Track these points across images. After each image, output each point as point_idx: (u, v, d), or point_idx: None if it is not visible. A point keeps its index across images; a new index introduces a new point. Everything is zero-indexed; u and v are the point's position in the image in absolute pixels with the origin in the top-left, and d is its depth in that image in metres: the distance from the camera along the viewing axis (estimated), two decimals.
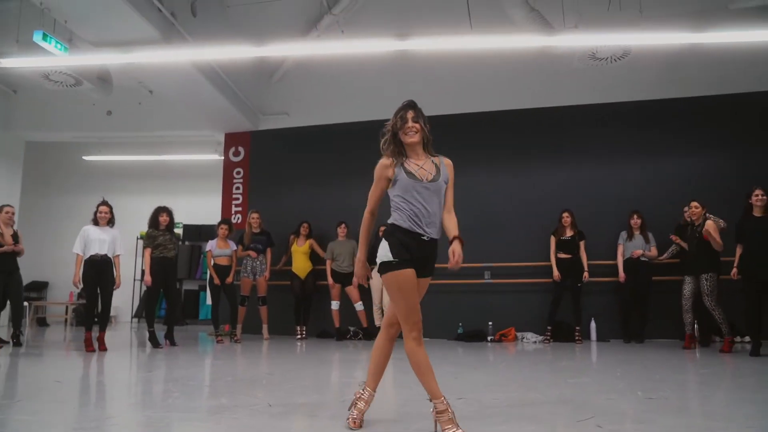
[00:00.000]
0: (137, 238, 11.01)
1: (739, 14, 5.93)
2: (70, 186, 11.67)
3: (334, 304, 7.84)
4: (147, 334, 6.87)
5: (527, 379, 4.61)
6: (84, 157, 11.48)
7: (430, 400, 2.65)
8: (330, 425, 2.98)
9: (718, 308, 6.11)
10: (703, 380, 4.58)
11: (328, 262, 7.86)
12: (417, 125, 2.75)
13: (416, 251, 2.69)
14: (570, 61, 6.68)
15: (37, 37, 5.30)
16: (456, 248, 2.69)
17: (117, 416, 3.17)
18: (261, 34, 7.68)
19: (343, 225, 7.96)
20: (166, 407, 3.43)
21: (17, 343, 6.45)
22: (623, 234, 7.28)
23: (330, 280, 7.81)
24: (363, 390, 2.90)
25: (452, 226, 2.80)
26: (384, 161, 2.78)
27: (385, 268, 2.69)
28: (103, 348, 6.21)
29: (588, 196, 7.77)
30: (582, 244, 7.33)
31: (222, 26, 7.62)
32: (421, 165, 2.75)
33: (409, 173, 2.71)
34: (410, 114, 2.76)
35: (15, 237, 6.65)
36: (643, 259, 7.10)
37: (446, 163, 2.86)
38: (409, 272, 2.66)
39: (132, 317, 11.23)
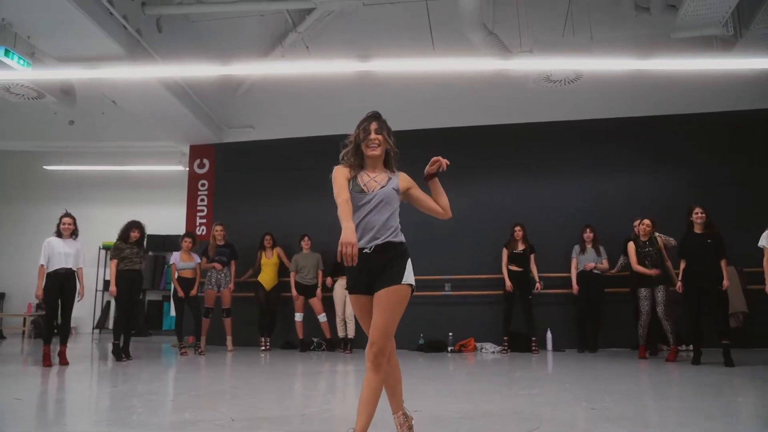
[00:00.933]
0: (99, 248, 10.90)
1: (680, 42, 6.31)
2: (30, 196, 11.44)
3: (298, 316, 7.95)
4: (110, 346, 6.86)
5: (482, 391, 4.83)
6: (45, 167, 11.29)
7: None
8: None
9: (669, 318, 6.46)
10: (645, 389, 4.87)
11: (292, 274, 7.97)
12: (380, 137, 2.70)
13: (360, 270, 2.59)
14: (525, 82, 6.98)
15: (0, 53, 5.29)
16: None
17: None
18: (226, 49, 7.81)
19: (306, 238, 8.08)
20: (129, 424, 3.51)
21: None
22: (576, 247, 7.61)
23: (294, 292, 7.92)
24: None
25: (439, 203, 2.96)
26: (341, 166, 2.75)
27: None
28: (64, 362, 6.16)
29: (542, 211, 8.09)
30: (532, 257, 7.63)
31: (187, 41, 7.68)
32: (374, 177, 2.72)
33: (357, 187, 2.66)
34: (373, 125, 2.71)
35: None
36: (595, 271, 7.43)
37: (400, 175, 2.83)
38: (354, 298, 2.71)
39: (93, 328, 11.08)
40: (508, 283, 7.54)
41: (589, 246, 7.52)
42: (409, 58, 6.55)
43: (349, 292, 2.72)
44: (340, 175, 2.70)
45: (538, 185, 8.27)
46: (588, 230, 7.54)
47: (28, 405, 4.34)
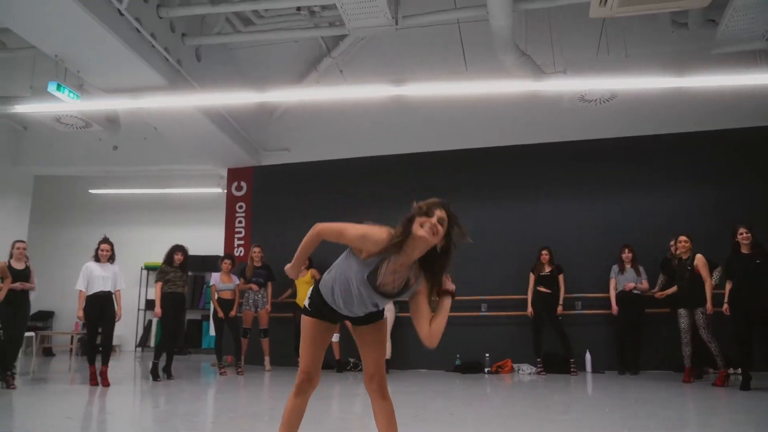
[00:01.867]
0: (141, 269, 11.24)
1: (721, 57, 6.20)
2: (76, 218, 11.92)
3: (335, 337, 8.00)
4: (150, 365, 7.04)
5: (518, 415, 4.77)
6: (90, 191, 11.75)
7: None
8: None
9: (714, 341, 6.25)
10: (689, 416, 4.72)
11: None
12: (440, 228, 2.23)
13: (332, 312, 2.53)
14: (559, 101, 6.94)
15: (52, 88, 5.59)
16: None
17: None
18: (263, 76, 8.04)
19: None
20: None
21: (10, 385, 6.07)
22: (615, 267, 7.46)
23: None
24: None
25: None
26: (378, 238, 2.27)
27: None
28: (105, 383, 6.27)
29: (577, 230, 7.96)
30: (560, 277, 7.55)
31: (225, 68, 7.93)
32: (397, 275, 2.32)
33: (371, 274, 2.32)
34: (438, 213, 2.24)
35: (26, 271, 6.84)
36: (635, 291, 7.27)
37: (421, 282, 2.38)
38: (313, 322, 2.55)
39: (136, 346, 11.38)
40: (529, 309, 7.53)
41: (628, 266, 7.37)
42: (441, 81, 6.65)
43: (309, 315, 2.55)
44: (363, 243, 2.31)
45: (573, 204, 8.15)
46: (626, 250, 7.38)
47: (77, 424, 4.50)
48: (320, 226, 2.46)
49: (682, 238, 6.56)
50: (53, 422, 4.50)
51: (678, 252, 6.63)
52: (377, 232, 2.29)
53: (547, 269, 7.54)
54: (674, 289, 6.57)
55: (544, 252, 7.56)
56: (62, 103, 6.07)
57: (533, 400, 5.69)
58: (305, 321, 2.58)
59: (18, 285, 6.55)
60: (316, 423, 4.50)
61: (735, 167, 7.70)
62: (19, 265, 6.80)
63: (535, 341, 7.46)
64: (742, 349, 5.90)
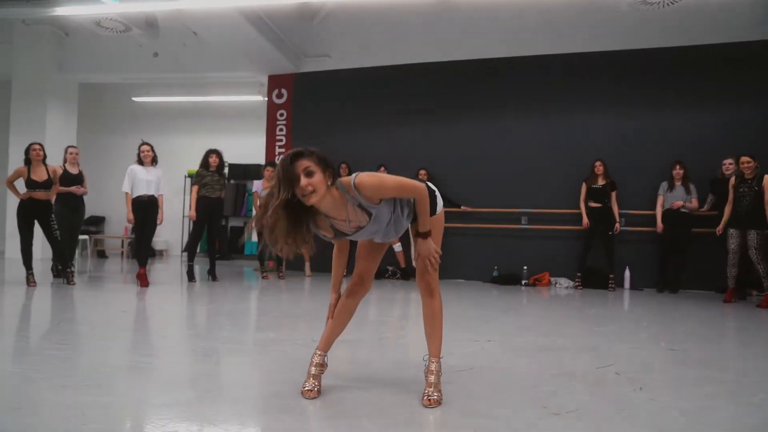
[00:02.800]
0: (185, 177, 11.48)
1: None
2: (121, 126, 12.12)
3: (397, 246, 8.03)
4: (196, 269, 7.32)
5: (556, 325, 4.83)
6: (133, 98, 11.86)
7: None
8: (368, 361, 3.27)
9: (764, 262, 6.08)
10: (727, 334, 4.69)
11: None
12: (312, 181, 2.08)
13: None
14: (618, 4, 6.44)
15: None
16: (421, 248, 2.40)
17: (178, 345, 3.56)
18: None
19: (383, 168, 8.12)
20: (219, 339, 3.81)
21: (70, 281, 6.39)
22: (664, 184, 7.21)
23: None
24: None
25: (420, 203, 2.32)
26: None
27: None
28: (145, 283, 6.44)
29: (629, 145, 7.68)
30: (614, 194, 7.33)
31: None
32: (339, 219, 2.26)
33: (337, 233, 2.32)
34: (299, 167, 2.09)
35: (80, 176, 7.09)
36: (683, 210, 7.05)
37: (360, 187, 2.17)
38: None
39: (182, 251, 11.88)
40: (585, 219, 7.35)
41: (678, 183, 7.10)
42: None
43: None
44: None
45: (624, 118, 7.79)
46: (678, 167, 7.09)
47: (132, 317, 4.79)
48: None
49: (745, 158, 6.20)
50: (110, 315, 4.80)
51: (741, 172, 6.29)
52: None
53: (600, 182, 7.34)
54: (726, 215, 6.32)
55: (598, 163, 7.35)
56: (102, 5, 5.97)
57: (571, 311, 5.73)
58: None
59: (74, 189, 6.81)
60: (357, 325, 4.66)
61: None
62: (73, 170, 7.05)
63: (582, 256, 7.42)
64: None
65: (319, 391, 2.51)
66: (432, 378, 2.52)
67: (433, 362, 2.56)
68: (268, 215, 2.06)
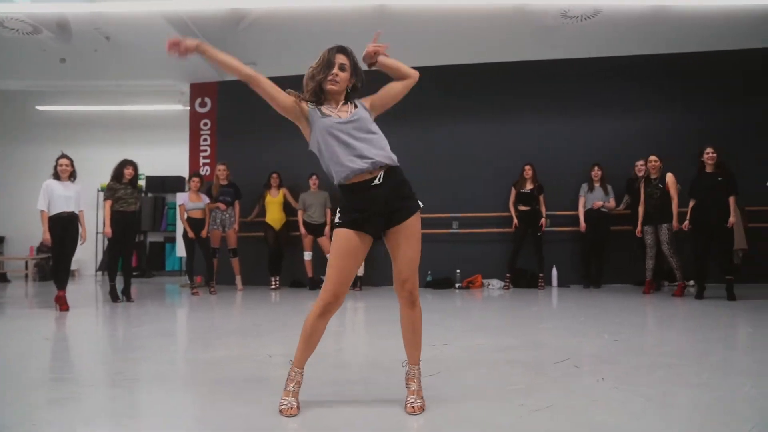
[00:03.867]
0: (98, 190, 10.76)
1: None
2: (23, 137, 11.13)
3: (307, 255, 8.01)
4: (109, 288, 6.80)
5: (503, 326, 4.98)
6: (37, 107, 10.94)
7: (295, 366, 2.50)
8: (339, 373, 3.20)
9: (676, 255, 6.61)
10: (657, 322, 5.06)
11: (300, 213, 7.98)
12: (343, 75, 2.50)
13: (368, 203, 2.41)
14: (543, 18, 6.79)
15: None
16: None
17: (127, 371, 3.30)
18: None
19: (314, 176, 8.04)
20: (172, 360, 3.59)
21: None
22: (584, 186, 7.67)
23: (302, 230, 7.94)
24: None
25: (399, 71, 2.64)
26: (292, 95, 2.54)
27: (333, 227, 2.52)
28: (64, 307, 5.96)
29: (552, 149, 8.09)
30: (541, 197, 7.69)
31: None
32: (337, 110, 2.51)
33: (321, 113, 2.48)
34: (338, 59, 2.50)
35: None
36: (603, 210, 7.53)
37: (363, 101, 2.60)
38: (343, 233, 2.42)
39: (96, 270, 11.11)
40: (515, 221, 7.66)
41: (597, 184, 7.58)
42: None
43: (340, 226, 2.43)
44: (281, 93, 2.55)
45: (549, 123, 8.22)
46: (596, 168, 7.58)
47: (58, 345, 4.40)
48: (260, 78, 2.61)
49: (653, 157, 6.75)
50: (32, 343, 4.39)
51: (643, 172, 6.83)
52: (287, 102, 2.56)
53: (529, 186, 7.65)
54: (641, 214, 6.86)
55: (527, 168, 7.65)
56: (10, 4, 5.48)
57: (511, 311, 5.94)
58: (336, 234, 2.44)
59: None
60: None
61: (709, 90, 7.90)
62: None
63: (511, 257, 7.68)
64: (700, 262, 6.28)
65: (298, 408, 2.43)
66: (413, 385, 2.51)
67: (414, 369, 2.55)
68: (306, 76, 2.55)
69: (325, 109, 2.50)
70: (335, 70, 2.48)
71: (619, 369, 3.16)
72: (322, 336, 2.50)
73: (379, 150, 2.43)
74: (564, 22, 6.68)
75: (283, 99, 2.54)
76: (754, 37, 7.54)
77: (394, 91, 2.63)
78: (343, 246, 2.41)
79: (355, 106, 2.53)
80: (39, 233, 6.14)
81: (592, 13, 6.39)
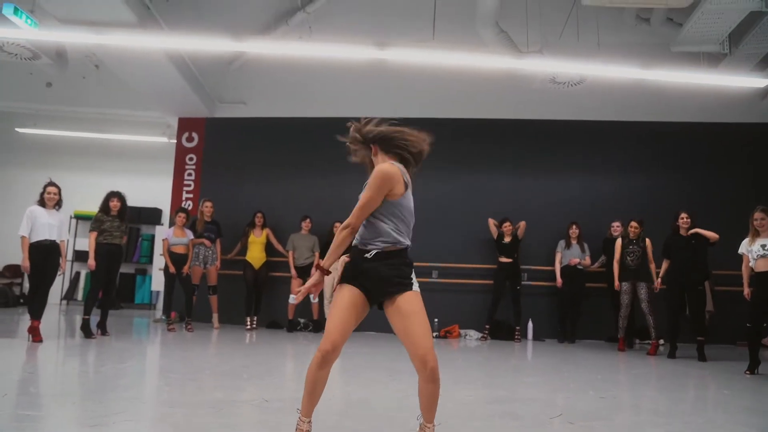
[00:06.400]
0: (71, 217, 10.52)
1: (678, 55, 6.66)
2: (1, 158, 10.89)
3: (292, 298, 7.87)
4: (80, 321, 6.58)
5: (488, 377, 5.05)
6: (17, 129, 10.73)
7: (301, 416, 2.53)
8: (341, 421, 3.21)
9: (654, 314, 6.86)
10: (637, 380, 5.20)
11: (290, 254, 7.96)
12: (353, 147, 2.81)
13: (359, 271, 2.50)
14: (531, 82, 7.17)
15: (7, 11, 5.03)
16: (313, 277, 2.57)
17: (124, 412, 3.23)
18: (228, 21, 7.67)
19: (308, 219, 8.09)
20: (170, 402, 3.52)
21: None
22: (562, 242, 7.93)
23: (293, 272, 7.89)
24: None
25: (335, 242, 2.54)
26: (396, 168, 2.51)
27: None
28: (37, 338, 5.78)
29: (531, 205, 8.37)
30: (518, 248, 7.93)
31: (192, 11, 7.49)
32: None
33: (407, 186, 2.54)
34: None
35: None
36: (579, 267, 7.79)
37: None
38: (346, 288, 2.50)
39: (61, 299, 10.74)
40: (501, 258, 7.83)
41: (574, 242, 7.86)
42: (415, 48, 6.61)
43: (344, 281, 2.52)
44: (390, 184, 2.50)
45: (531, 179, 8.53)
46: (574, 227, 7.86)
47: (44, 381, 4.26)
48: (348, 222, 2.50)
49: (634, 223, 7.07)
50: (14, 377, 4.24)
51: (627, 233, 7.13)
52: (393, 172, 2.50)
53: (507, 239, 7.86)
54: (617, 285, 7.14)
55: (507, 223, 7.87)
56: (12, 29, 5.50)
57: (492, 363, 6.01)
58: (340, 287, 2.52)
59: None
60: (300, 381, 4.57)
61: (684, 157, 8.36)
62: None
63: (491, 309, 7.81)
64: (673, 322, 6.55)
65: None
66: None
67: (428, 428, 2.57)
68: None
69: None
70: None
71: (614, 427, 3.27)
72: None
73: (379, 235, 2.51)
74: (552, 87, 7.05)
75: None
76: (729, 111, 8.09)
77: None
78: (346, 299, 2.48)
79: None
80: (4, 257, 5.97)
81: (579, 80, 6.79)
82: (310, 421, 2.52)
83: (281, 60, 8.14)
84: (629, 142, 8.48)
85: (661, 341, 7.19)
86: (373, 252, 2.48)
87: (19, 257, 6.00)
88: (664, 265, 6.70)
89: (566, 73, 6.49)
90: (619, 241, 7.20)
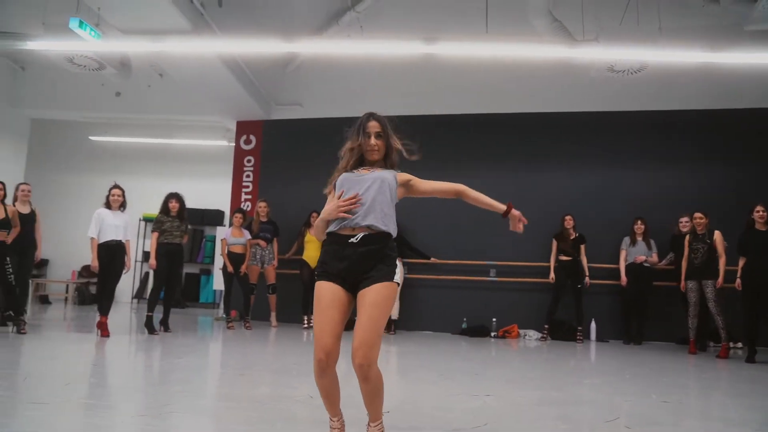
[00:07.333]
0: (140, 220, 11.05)
1: (753, 35, 6.16)
2: (75, 165, 11.62)
3: None
4: (145, 318, 6.81)
5: (544, 378, 4.86)
6: (90, 137, 11.43)
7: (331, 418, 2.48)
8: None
9: (722, 314, 6.39)
10: (709, 385, 4.85)
11: None
12: (379, 143, 2.50)
13: (342, 259, 2.33)
14: (587, 71, 6.87)
15: (73, 24, 5.33)
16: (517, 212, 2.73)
17: (173, 404, 3.32)
18: (281, 24, 7.80)
19: None
20: (220, 396, 3.59)
21: (21, 329, 5.93)
22: (626, 239, 7.54)
23: None
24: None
25: (477, 194, 2.71)
26: (333, 179, 2.53)
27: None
28: (105, 333, 6.07)
29: (594, 201, 8.02)
30: (583, 247, 7.59)
31: (245, 15, 7.66)
32: (371, 169, 2.50)
33: (351, 174, 2.48)
34: (373, 128, 2.50)
35: (32, 215, 6.71)
36: (645, 264, 7.38)
37: (400, 174, 2.56)
38: (324, 285, 2.34)
39: (132, 298, 11.29)
40: (551, 275, 7.55)
41: (639, 238, 7.45)
42: (466, 42, 6.48)
43: (318, 278, 2.37)
44: (329, 197, 2.48)
45: (591, 174, 8.17)
46: (639, 222, 7.46)
47: (106, 373, 4.46)
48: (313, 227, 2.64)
49: (698, 214, 6.62)
50: (80, 368, 4.46)
51: (686, 228, 6.69)
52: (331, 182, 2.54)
53: (570, 235, 7.56)
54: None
55: (568, 218, 7.58)
56: (80, 42, 5.81)
57: (550, 363, 5.79)
58: (316, 287, 2.36)
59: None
60: (347, 378, 4.56)
61: (754, 148, 7.76)
62: (23, 209, 6.65)
63: (551, 308, 7.54)
64: (750, 323, 6.06)
65: None
66: None
67: (373, 426, 2.43)
68: (345, 148, 2.55)
69: (358, 170, 2.49)
70: (372, 141, 2.48)
71: None
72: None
73: (372, 213, 2.35)
74: (610, 76, 6.72)
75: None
76: None
77: (434, 189, 2.68)
78: (322, 299, 2.32)
79: (386, 170, 2.52)
80: (82, 258, 6.31)
81: (639, 68, 6.43)
82: (339, 419, 2.49)
83: (334, 61, 8.22)
84: (696, 132, 7.93)
85: (739, 344, 6.69)
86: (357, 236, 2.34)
87: None
88: (741, 262, 6.22)
89: (625, 60, 6.15)
90: (688, 238, 6.76)
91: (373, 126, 2.49)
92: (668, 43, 6.18)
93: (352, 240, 2.32)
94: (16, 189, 6.82)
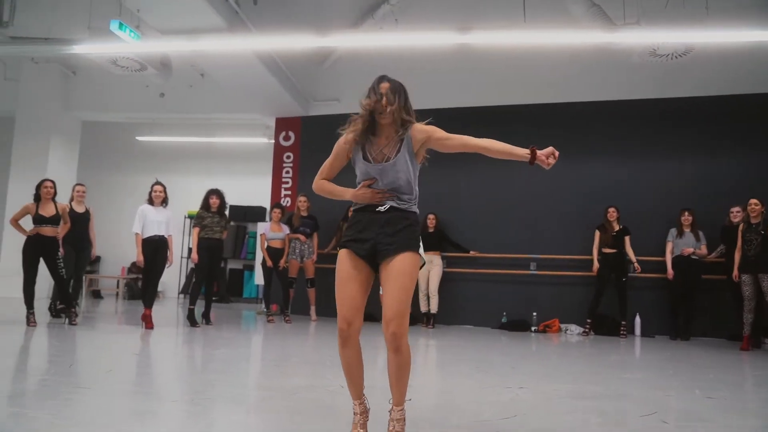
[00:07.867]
0: (185, 217, 11.37)
1: None
2: (123, 165, 12.09)
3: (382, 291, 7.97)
4: (187, 312, 6.99)
5: (582, 372, 4.73)
6: (137, 138, 11.86)
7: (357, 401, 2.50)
8: (408, 410, 3.14)
9: None
10: (758, 383, 4.62)
11: None
12: (393, 107, 2.44)
13: (365, 228, 2.41)
14: (628, 56, 6.63)
15: (114, 26, 5.53)
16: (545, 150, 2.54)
17: (207, 391, 3.40)
18: (316, 21, 7.86)
19: None
20: (249, 386, 3.66)
21: (72, 321, 6.25)
22: (673, 231, 7.26)
23: None
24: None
25: (501, 145, 2.55)
26: (345, 137, 2.55)
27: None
28: (149, 325, 6.29)
29: (637, 192, 7.75)
30: (627, 239, 7.34)
31: (280, 12, 7.77)
32: (383, 148, 2.47)
33: (365, 157, 2.49)
34: (383, 86, 2.48)
35: (86, 215, 7.01)
36: (693, 257, 7.08)
37: (413, 129, 2.48)
38: (346, 254, 2.42)
39: (178, 293, 11.65)
40: (595, 265, 7.32)
41: (687, 230, 7.16)
42: (502, 30, 6.36)
43: (341, 247, 2.45)
44: (338, 149, 2.60)
45: (634, 165, 7.89)
46: (686, 213, 7.16)
47: (143, 361, 4.61)
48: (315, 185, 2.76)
49: (753, 201, 6.28)
50: (122, 357, 4.63)
51: (748, 216, 6.35)
52: (343, 137, 2.58)
53: (614, 228, 7.34)
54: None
55: (611, 210, 7.36)
56: (121, 44, 6.01)
57: (590, 358, 5.63)
58: (338, 259, 2.45)
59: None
60: (380, 371, 4.55)
61: None
62: (79, 208, 6.95)
63: (593, 302, 7.32)
64: None
65: None
66: (396, 426, 2.39)
67: (396, 410, 2.42)
68: (357, 117, 2.52)
69: (370, 149, 2.49)
70: (384, 101, 2.43)
71: (715, 429, 2.91)
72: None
73: (401, 194, 2.45)
74: (652, 61, 6.46)
75: (341, 162, 2.64)
76: None
77: (463, 144, 2.55)
78: (342, 271, 2.42)
79: (398, 145, 2.46)
80: (131, 255, 6.54)
81: (684, 51, 6.15)
82: (361, 403, 2.51)
83: (370, 55, 8.19)
84: (748, 118, 7.52)
85: None
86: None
87: None
88: None
89: (668, 43, 5.89)
90: (741, 227, 6.43)
91: (384, 87, 2.47)
92: (716, 24, 5.89)
93: (380, 208, 2.42)
94: (73, 189, 7.13)
